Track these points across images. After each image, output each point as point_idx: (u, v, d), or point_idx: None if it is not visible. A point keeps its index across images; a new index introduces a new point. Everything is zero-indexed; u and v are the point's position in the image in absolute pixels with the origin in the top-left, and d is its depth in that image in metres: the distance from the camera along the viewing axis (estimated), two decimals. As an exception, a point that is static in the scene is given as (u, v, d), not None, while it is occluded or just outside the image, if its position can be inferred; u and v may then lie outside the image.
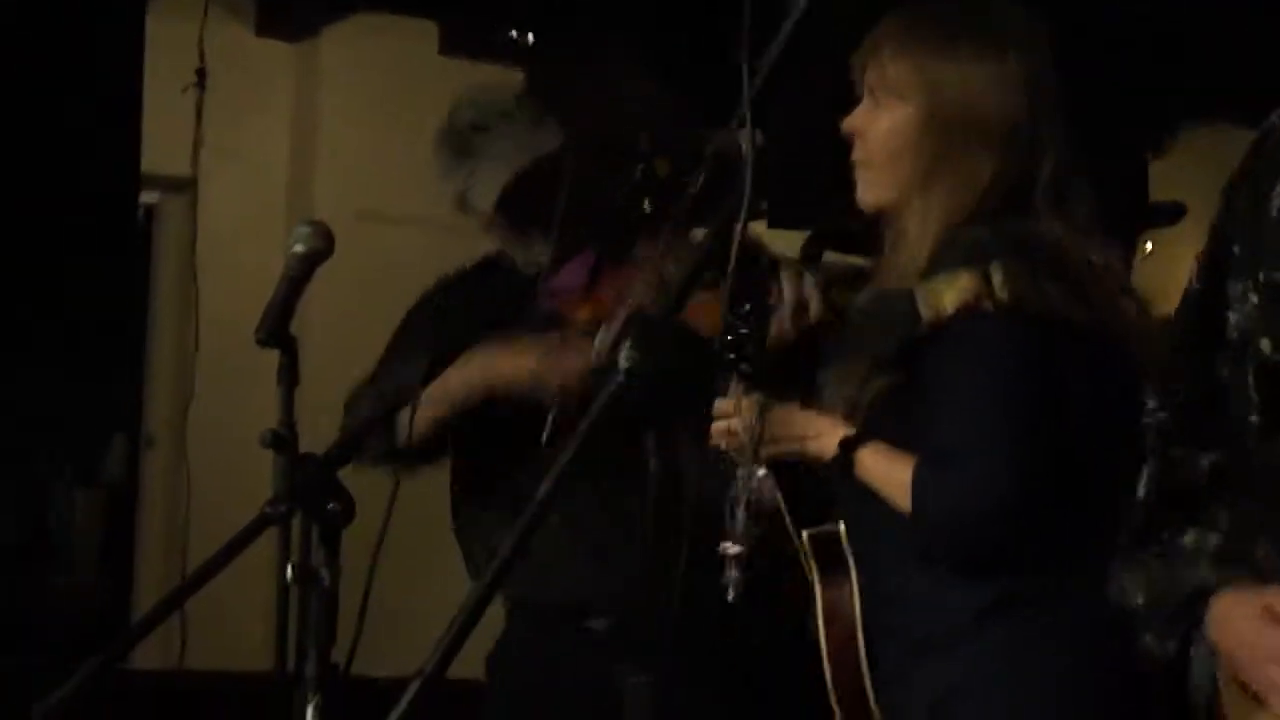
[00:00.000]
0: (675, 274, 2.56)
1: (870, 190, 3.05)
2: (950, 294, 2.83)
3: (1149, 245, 4.12)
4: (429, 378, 3.59)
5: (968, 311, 2.83)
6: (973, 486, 2.83)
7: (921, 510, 2.86)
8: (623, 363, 2.02)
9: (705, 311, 3.01)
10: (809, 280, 3.28)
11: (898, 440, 2.90)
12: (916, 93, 3.01)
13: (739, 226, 2.05)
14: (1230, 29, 6.14)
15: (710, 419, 2.98)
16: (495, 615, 3.81)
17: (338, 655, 2.88)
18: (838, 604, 2.98)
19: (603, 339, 3.46)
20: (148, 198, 7.33)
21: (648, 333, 2.04)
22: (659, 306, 2.20)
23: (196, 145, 6.57)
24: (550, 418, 3.49)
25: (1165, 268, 4.98)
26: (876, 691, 2.96)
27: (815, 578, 3.02)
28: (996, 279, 2.82)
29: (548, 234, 3.66)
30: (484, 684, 3.87)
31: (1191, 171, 8.07)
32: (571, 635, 3.74)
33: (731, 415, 2.99)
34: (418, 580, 5.31)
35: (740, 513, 2.93)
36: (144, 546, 7.33)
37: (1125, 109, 6.58)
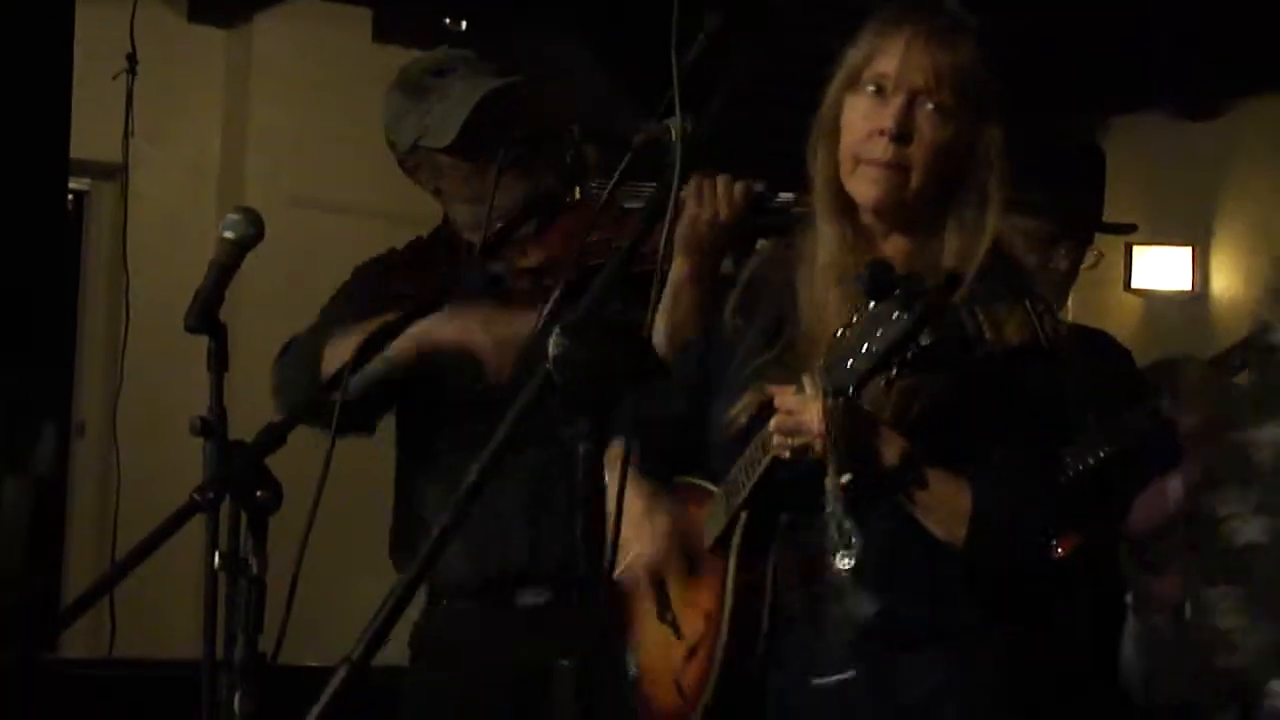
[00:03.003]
0: (609, 259, 2.53)
1: (905, 190, 2.98)
2: (1012, 325, 2.84)
3: (1097, 253, 4.16)
4: (362, 354, 3.57)
5: (1029, 345, 2.85)
6: (1035, 510, 2.97)
7: (987, 523, 2.90)
8: (551, 350, 2.03)
9: None
10: (724, 184, 3.29)
11: (932, 454, 2.91)
12: (997, 109, 3.01)
13: (669, 211, 2.05)
14: (1159, 22, 6.18)
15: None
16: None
17: (266, 644, 2.88)
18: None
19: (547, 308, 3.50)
20: (78, 184, 7.30)
21: (576, 320, 2.04)
22: (589, 293, 2.19)
23: (127, 131, 6.53)
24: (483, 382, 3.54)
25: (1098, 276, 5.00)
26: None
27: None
28: (1045, 317, 2.87)
29: (499, 174, 3.64)
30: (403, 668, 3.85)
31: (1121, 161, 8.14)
32: (503, 613, 3.74)
33: (802, 410, 2.84)
34: (346, 569, 5.30)
35: (845, 523, 2.78)
36: (74, 535, 7.30)
37: (1058, 100, 6.62)
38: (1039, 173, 3.44)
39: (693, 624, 3.08)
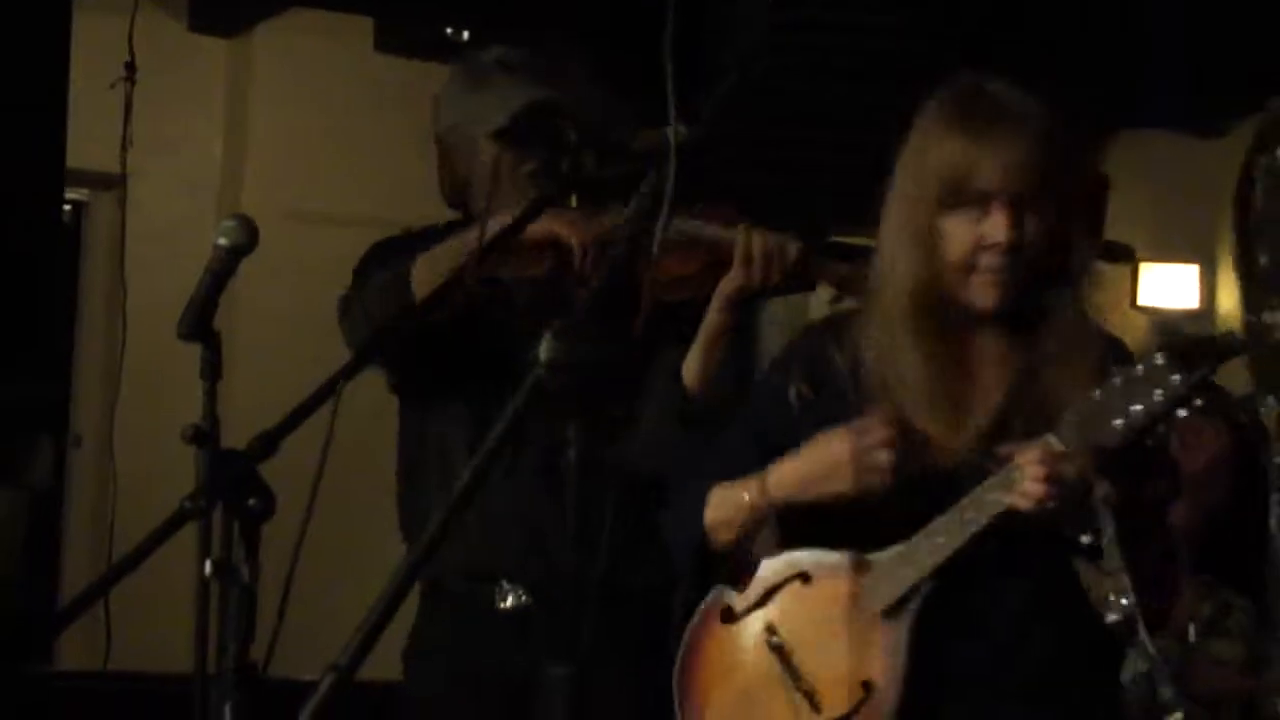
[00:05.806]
0: (602, 265, 2.52)
1: (1016, 291, 3.06)
2: None
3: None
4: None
5: None
6: None
7: None
8: (543, 354, 2.01)
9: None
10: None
11: None
12: (1081, 191, 3.15)
13: (661, 219, 2.03)
14: (1166, 39, 6.18)
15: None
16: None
17: (257, 654, 2.85)
18: None
19: None
20: (76, 194, 7.29)
21: (570, 325, 2.03)
22: (583, 299, 2.17)
23: (126, 141, 6.50)
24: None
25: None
26: None
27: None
28: None
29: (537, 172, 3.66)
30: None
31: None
32: (485, 615, 3.70)
33: (1062, 464, 2.88)
34: (340, 578, 5.28)
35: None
36: (70, 547, 7.28)
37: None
38: None
39: (836, 695, 3.01)
